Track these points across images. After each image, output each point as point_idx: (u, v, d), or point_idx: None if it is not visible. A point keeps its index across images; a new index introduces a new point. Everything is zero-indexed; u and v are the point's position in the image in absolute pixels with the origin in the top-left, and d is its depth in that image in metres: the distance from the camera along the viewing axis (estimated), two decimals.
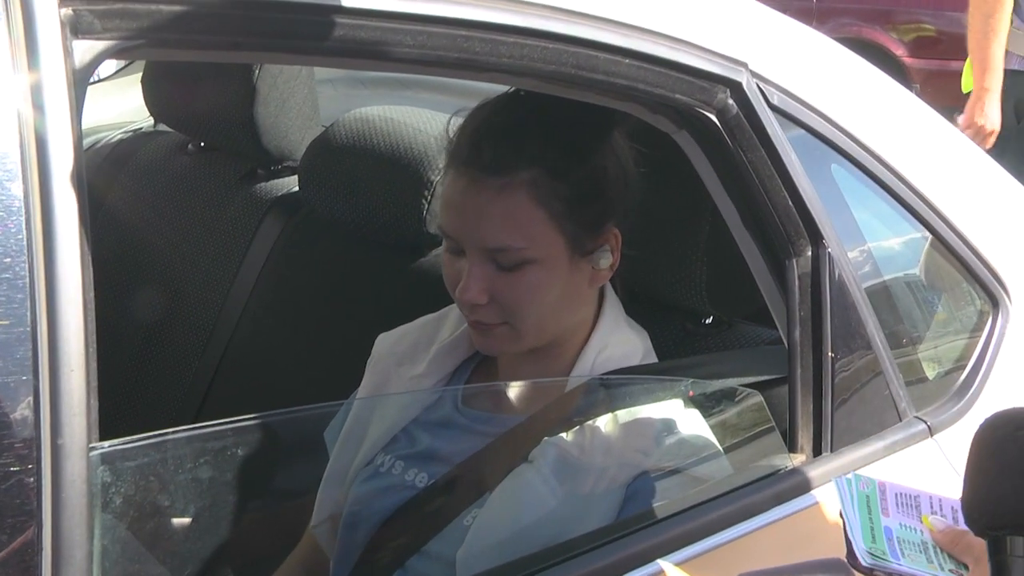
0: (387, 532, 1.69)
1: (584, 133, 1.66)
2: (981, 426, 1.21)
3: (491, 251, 1.64)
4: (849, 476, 1.43)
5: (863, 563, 1.34)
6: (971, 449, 1.21)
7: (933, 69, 8.43)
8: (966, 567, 1.37)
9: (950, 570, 1.34)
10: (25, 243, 1.00)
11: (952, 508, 1.43)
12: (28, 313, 0.99)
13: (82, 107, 1.06)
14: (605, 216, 1.69)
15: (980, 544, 1.21)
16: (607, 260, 1.70)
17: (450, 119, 1.77)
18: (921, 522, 1.40)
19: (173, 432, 1.25)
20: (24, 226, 1.00)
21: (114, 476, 1.14)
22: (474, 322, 1.69)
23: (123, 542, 1.19)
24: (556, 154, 1.64)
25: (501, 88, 1.71)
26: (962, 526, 1.35)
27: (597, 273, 1.71)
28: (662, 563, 1.49)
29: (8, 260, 1.00)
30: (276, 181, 2.68)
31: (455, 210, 1.67)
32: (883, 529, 1.38)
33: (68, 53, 1.04)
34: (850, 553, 1.36)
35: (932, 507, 1.44)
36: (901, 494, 1.42)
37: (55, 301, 1.00)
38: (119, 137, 3.00)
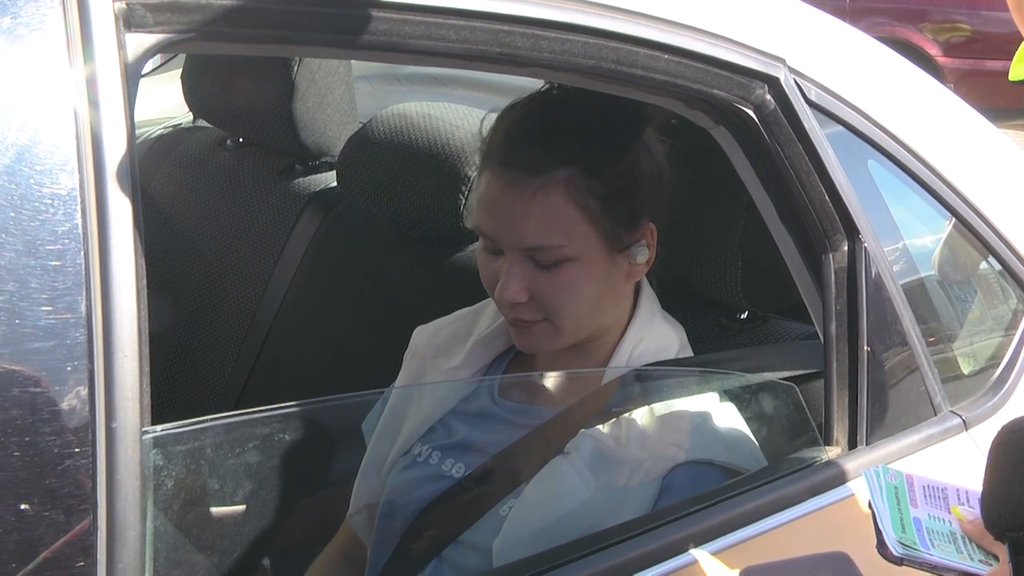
0: (424, 521, 1.71)
1: (617, 130, 1.67)
2: (999, 431, 1.22)
3: (530, 250, 1.65)
4: (877, 468, 1.43)
5: (894, 553, 1.34)
6: (990, 454, 1.21)
7: (967, 68, 8.40)
8: (996, 557, 1.37)
9: (979, 560, 1.34)
10: (81, 232, 1.02)
11: (979, 500, 1.43)
12: (83, 300, 1.02)
13: (135, 99, 1.08)
14: (640, 212, 1.69)
15: None
16: (644, 255, 1.71)
17: (483, 119, 1.78)
18: (950, 512, 1.40)
19: (221, 417, 1.27)
20: (79, 215, 1.02)
21: (165, 459, 1.16)
22: (514, 320, 1.70)
23: (174, 523, 1.22)
24: (591, 152, 1.65)
25: (537, 84, 1.73)
26: None
27: (634, 268, 1.72)
28: (696, 552, 1.50)
29: (59, 248, 1.02)
30: (314, 176, 2.70)
31: (492, 211, 1.67)
32: (912, 520, 1.38)
33: (121, 46, 1.07)
34: (880, 543, 1.36)
35: (959, 499, 1.44)
36: (929, 486, 1.42)
37: (109, 288, 1.03)
38: (159, 132, 3.04)
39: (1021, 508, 1.15)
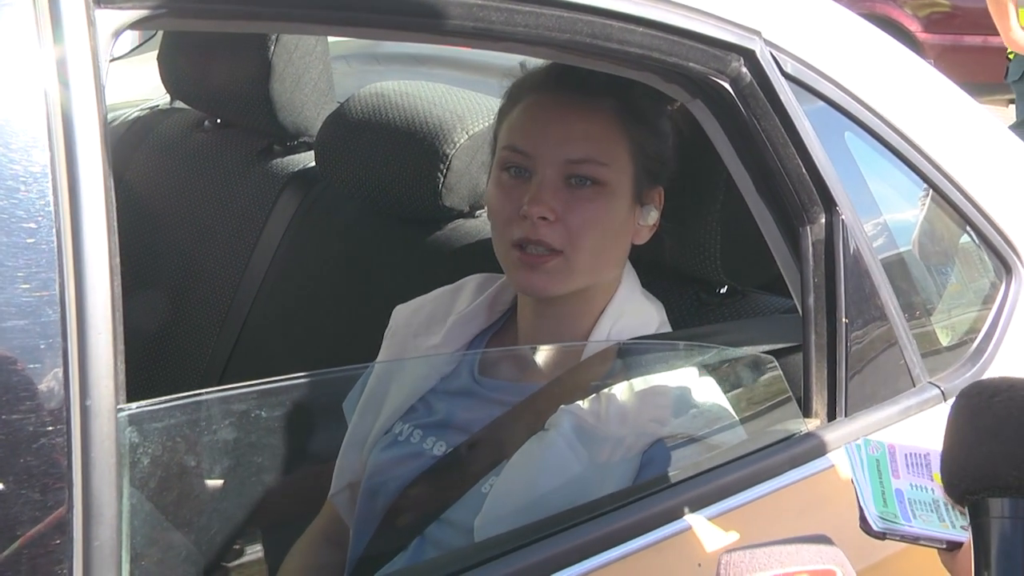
0: (406, 500, 1.71)
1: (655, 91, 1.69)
2: (957, 396, 1.22)
3: (572, 163, 1.68)
4: (859, 442, 1.43)
5: (875, 528, 1.34)
6: (948, 419, 1.22)
7: (947, 44, 8.40)
8: None
9: (961, 527, 1.34)
10: (52, 209, 1.01)
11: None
12: (56, 277, 1.01)
13: (106, 76, 1.07)
14: (662, 170, 1.75)
15: None
16: (654, 216, 1.76)
17: (523, 62, 1.81)
18: (932, 480, 1.40)
19: (197, 394, 1.27)
20: (51, 192, 1.01)
21: (141, 437, 1.16)
22: (530, 249, 1.69)
23: (151, 501, 1.22)
24: (637, 94, 1.70)
25: (516, 59, 1.73)
26: None
27: (641, 229, 1.76)
28: (676, 524, 1.51)
29: (33, 226, 1.01)
30: (292, 156, 2.69)
31: (535, 128, 1.71)
32: (894, 492, 1.38)
33: (92, 23, 1.05)
34: (862, 519, 1.36)
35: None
36: (911, 454, 1.42)
37: (82, 266, 1.02)
38: (136, 114, 3.02)
39: (979, 471, 1.16)
